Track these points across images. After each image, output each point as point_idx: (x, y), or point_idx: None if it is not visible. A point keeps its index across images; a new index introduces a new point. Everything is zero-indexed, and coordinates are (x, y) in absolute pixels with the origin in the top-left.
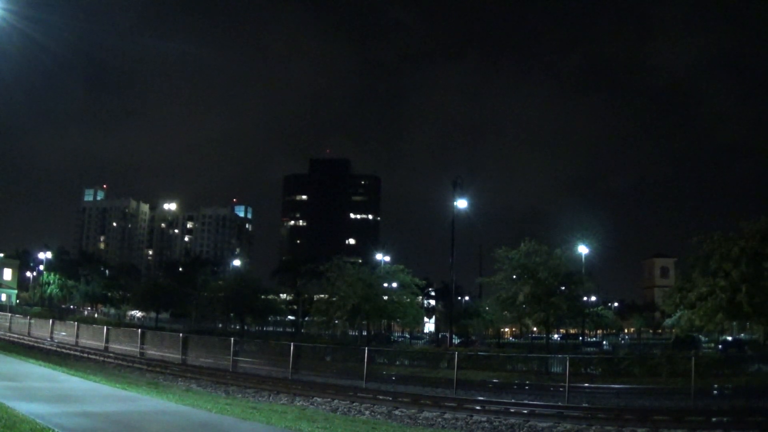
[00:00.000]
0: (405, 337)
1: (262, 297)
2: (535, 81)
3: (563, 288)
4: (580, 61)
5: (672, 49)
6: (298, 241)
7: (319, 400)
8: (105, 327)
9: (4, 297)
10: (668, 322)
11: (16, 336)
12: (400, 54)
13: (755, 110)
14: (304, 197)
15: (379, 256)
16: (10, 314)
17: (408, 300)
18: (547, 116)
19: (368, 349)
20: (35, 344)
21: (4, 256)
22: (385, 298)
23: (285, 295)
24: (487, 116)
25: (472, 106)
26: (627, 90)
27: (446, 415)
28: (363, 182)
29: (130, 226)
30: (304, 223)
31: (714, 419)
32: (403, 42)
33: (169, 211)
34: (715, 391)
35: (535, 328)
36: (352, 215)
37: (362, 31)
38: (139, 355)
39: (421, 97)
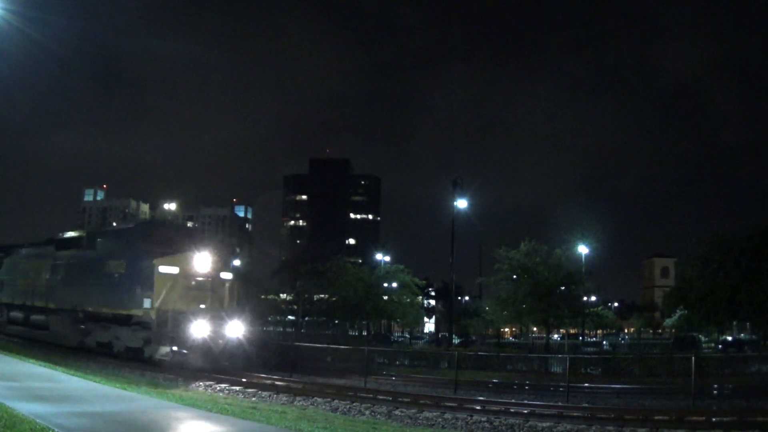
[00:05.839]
0: (405, 337)
1: (262, 297)
2: (541, 83)
3: (563, 288)
4: (586, 63)
5: (678, 51)
6: (298, 241)
7: (319, 400)
8: None
9: None
10: (668, 322)
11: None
12: (407, 55)
13: (760, 112)
14: (304, 197)
15: (379, 256)
16: None
17: (408, 300)
18: (553, 118)
19: (368, 349)
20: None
21: None
22: (385, 298)
23: (285, 295)
24: (492, 117)
25: (478, 107)
26: (633, 92)
27: (446, 415)
28: (363, 182)
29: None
30: (304, 223)
31: (714, 419)
32: (411, 43)
33: (169, 211)
34: (715, 391)
35: (535, 328)
36: (352, 215)
37: (370, 33)
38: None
39: (427, 97)
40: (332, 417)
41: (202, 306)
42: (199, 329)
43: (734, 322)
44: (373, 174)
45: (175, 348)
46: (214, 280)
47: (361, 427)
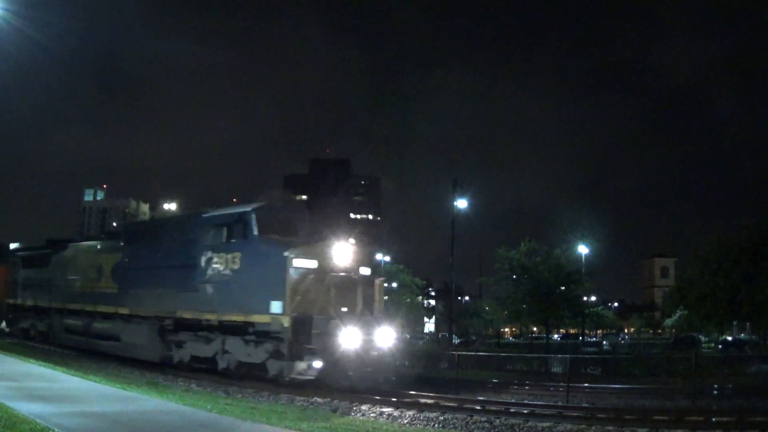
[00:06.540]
0: (405, 337)
1: None
2: (542, 83)
3: (563, 288)
4: (587, 63)
5: (678, 51)
6: None
7: (319, 400)
8: None
9: None
10: (668, 322)
11: None
12: (407, 55)
13: (760, 112)
14: (304, 197)
15: (379, 256)
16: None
17: (408, 300)
18: (553, 118)
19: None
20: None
21: None
22: (386, 298)
23: None
24: (492, 117)
25: (478, 108)
26: (634, 92)
27: (446, 415)
28: (363, 182)
29: None
30: None
31: (714, 419)
32: (411, 43)
33: (170, 211)
34: (715, 391)
35: (535, 328)
36: (352, 215)
37: (370, 33)
38: None
39: (428, 98)
40: (332, 417)
41: (344, 309)
42: (350, 338)
43: (734, 322)
44: (373, 174)
45: (317, 363)
46: (358, 276)
47: (361, 427)
